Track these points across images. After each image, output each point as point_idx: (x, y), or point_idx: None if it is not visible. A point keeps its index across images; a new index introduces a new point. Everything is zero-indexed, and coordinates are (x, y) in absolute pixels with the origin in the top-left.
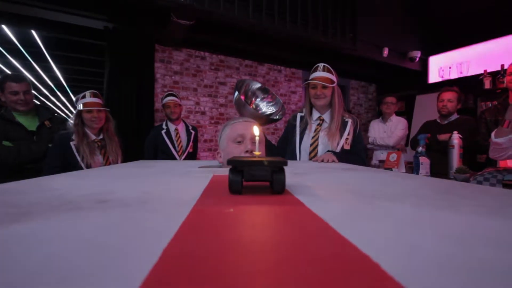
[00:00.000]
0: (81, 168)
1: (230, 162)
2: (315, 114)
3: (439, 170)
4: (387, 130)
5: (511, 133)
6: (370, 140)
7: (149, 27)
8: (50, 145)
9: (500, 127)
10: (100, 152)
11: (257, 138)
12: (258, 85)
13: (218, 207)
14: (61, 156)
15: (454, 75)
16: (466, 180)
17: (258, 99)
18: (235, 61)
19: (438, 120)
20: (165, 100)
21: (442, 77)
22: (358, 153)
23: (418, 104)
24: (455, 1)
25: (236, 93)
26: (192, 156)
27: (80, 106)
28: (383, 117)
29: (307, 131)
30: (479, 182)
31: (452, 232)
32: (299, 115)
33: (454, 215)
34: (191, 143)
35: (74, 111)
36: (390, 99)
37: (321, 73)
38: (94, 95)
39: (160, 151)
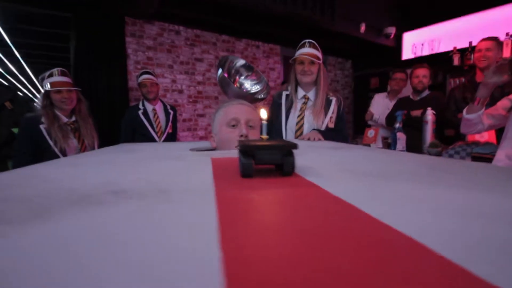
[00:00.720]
0: (54, 153)
1: (242, 146)
2: (300, 93)
3: (412, 144)
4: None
5: (481, 109)
6: (374, 117)
7: None
8: (13, 129)
9: (471, 104)
10: (74, 135)
11: (264, 122)
12: (242, 62)
13: (240, 192)
14: (31, 141)
15: (426, 52)
16: (439, 154)
17: (242, 77)
18: (212, 36)
19: (411, 97)
20: (140, 79)
21: (415, 53)
22: (341, 131)
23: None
24: None
25: (220, 70)
26: (172, 137)
27: (48, 86)
28: (389, 93)
29: (292, 110)
30: (451, 155)
31: (481, 211)
32: (284, 93)
33: (463, 193)
34: (170, 124)
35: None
36: (400, 75)
37: (308, 49)
38: (62, 73)
39: (138, 133)
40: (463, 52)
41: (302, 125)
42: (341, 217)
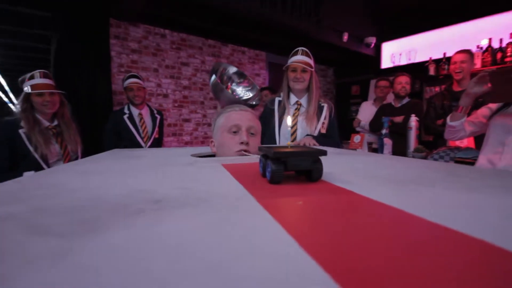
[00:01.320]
0: (34, 160)
1: (274, 153)
2: (293, 99)
3: (396, 149)
4: None
5: (463, 117)
6: (361, 124)
7: None
8: None
9: (454, 112)
10: (56, 140)
11: (288, 129)
12: (235, 69)
13: (283, 199)
14: (9, 146)
15: (404, 61)
16: (424, 158)
17: (234, 84)
18: (198, 41)
19: (393, 103)
20: (127, 83)
21: (394, 62)
22: (333, 137)
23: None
24: None
25: (214, 76)
26: (158, 142)
27: (28, 89)
28: (375, 100)
29: (285, 115)
30: (436, 160)
31: None
32: (277, 99)
33: (498, 197)
34: (156, 129)
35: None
36: (384, 83)
37: (301, 57)
38: (44, 76)
39: (122, 138)
40: (438, 62)
41: (295, 131)
42: (399, 222)
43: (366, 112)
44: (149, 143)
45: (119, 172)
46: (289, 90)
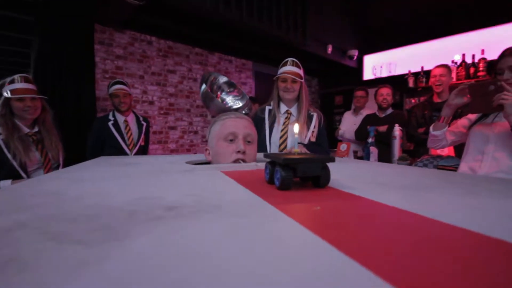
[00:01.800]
0: (12, 167)
1: (284, 159)
2: (283, 108)
3: (380, 157)
4: (357, 123)
5: (445, 127)
6: (340, 132)
7: (87, 2)
8: None
9: (436, 122)
10: (37, 147)
11: (296, 136)
12: (225, 79)
13: (300, 205)
14: None
15: (384, 74)
16: (409, 165)
17: (224, 93)
18: (185, 49)
19: (377, 113)
20: (112, 89)
21: (375, 74)
22: (323, 145)
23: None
24: (385, 9)
25: (204, 85)
26: (144, 150)
27: (8, 94)
28: (354, 110)
29: (275, 124)
30: (420, 167)
31: None
32: (267, 108)
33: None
34: (142, 136)
35: None
36: (360, 93)
37: (291, 67)
38: (26, 80)
39: (107, 145)
40: (416, 75)
41: (285, 139)
42: (421, 226)
43: (347, 121)
44: (134, 151)
45: (118, 179)
46: (279, 99)
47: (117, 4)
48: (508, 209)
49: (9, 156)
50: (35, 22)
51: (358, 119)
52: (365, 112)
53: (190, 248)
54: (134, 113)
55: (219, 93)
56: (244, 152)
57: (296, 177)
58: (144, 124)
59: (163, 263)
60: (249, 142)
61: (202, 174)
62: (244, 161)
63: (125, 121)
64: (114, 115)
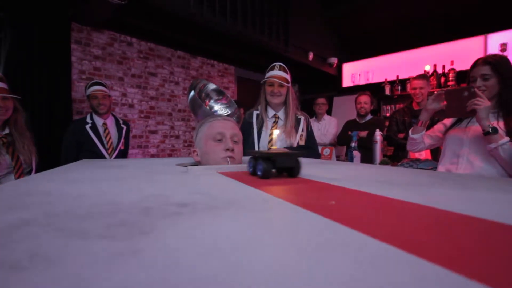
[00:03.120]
0: None
1: (263, 153)
2: (270, 112)
3: (361, 161)
4: (321, 128)
5: (423, 131)
6: None
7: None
8: None
9: (415, 126)
10: (7, 150)
11: (274, 136)
12: (214, 86)
13: (315, 197)
14: None
15: (362, 81)
16: None
17: (212, 101)
18: (167, 51)
19: (357, 119)
20: (90, 90)
21: (354, 82)
22: (312, 147)
23: (335, 104)
24: (363, 20)
25: (192, 92)
26: (123, 154)
27: None
28: (316, 116)
29: (264, 128)
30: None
31: None
32: (254, 113)
33: (496, 195)
34: (122, 140)
35: None
36: (321, 100)
37: (278, 72)
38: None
39: (84, 149)
40: (392, 83)
41: (274, 143)
42: (433, 216)
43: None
44: (114, 155)
45: (116, 180)
46: (267, 103)
47: (97, 3)
48: (509, 200)
49: None
50: (5, 18)
51: (322, 124)
52: (326, 118)
53: (223, 240)
54: (114, 115)
55: (207, 100)
56: (232, 150)
57: (275, 168)
58: (124, 127)
59: (198, 254)
60: (235, 142)
61: (199, 174)
62: (232, 158)
63: (104, 124)
64: (92, 118)
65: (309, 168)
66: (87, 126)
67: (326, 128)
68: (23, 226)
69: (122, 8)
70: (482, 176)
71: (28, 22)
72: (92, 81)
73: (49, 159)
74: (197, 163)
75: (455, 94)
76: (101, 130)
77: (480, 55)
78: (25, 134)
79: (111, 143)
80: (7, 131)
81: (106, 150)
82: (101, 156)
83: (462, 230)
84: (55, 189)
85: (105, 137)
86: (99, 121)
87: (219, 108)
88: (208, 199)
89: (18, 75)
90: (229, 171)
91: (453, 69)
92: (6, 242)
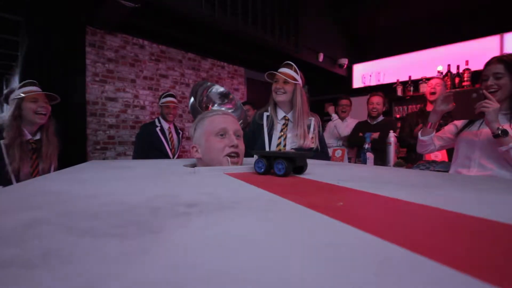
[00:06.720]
0: (6, 175)
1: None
2: (280, 113)
3: (374, 163)
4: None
5: (432, 132)
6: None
7: (79, 3)
8: None
9: (424, 127)
10: (32, 156)
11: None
12: (221, 89)
13: (321, 201)
14: None
15: (373, 82)
16: None
17: (216, 105)
18: (178, 53)
19: (369, 121)
20: (164, 101)
21: (364, 83)
22: (323, 150)
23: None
24: (374, 20)
25: (192, 99)
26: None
27: (20, 94)
28: (340, 118)
29: (274, 131)
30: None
31: None
32: (265, 114)
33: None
34: (181, 143)
35: None
36: (345, 102)
37: (284, 69)
38: (37, 85)
39: (153, 148)
40: (404, 84)
41: (284, 146)
42: (435, 216)
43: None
44: (176, 155)
45: (123, 180)
46: (275, 104)
47: (111, 6)
48: None
49: (6, 161)
50: (23, 23)
51: (344, 125)
52: (349, 120)
53: (231, 239)
54: (173, 123)
55: (210, 105)
56: (237, 146)
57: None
58: (181, 132)
59: (207, 253)
60: (238, 136)
61: (206, 175)
62: (237, 154)
63: (169, 128)
64: (160, 122)
65: (319, 169)
66: (157, 129)
67: (349, 126)
68: (36, 225)
69: (134, 12)
70: (493, 178)
71: (44, 26)
72: (166, 93)
73: (64, 160)
74: (197, 160)
75: (464, 96)
76: (167, 133)
77: (496, 54)
78: (54, 141)
79: (174, 145)
80: (38, 136)
81: (171, 150)
82: (166, 155)
83: (473, 232)
84: (66, 189)
85: (170, 140)
86: (165, 125)
87: None
88: (216, 199)
89: (34, 78)
90: (235, 171)
91: (468, 69)
92: (19, 241)
